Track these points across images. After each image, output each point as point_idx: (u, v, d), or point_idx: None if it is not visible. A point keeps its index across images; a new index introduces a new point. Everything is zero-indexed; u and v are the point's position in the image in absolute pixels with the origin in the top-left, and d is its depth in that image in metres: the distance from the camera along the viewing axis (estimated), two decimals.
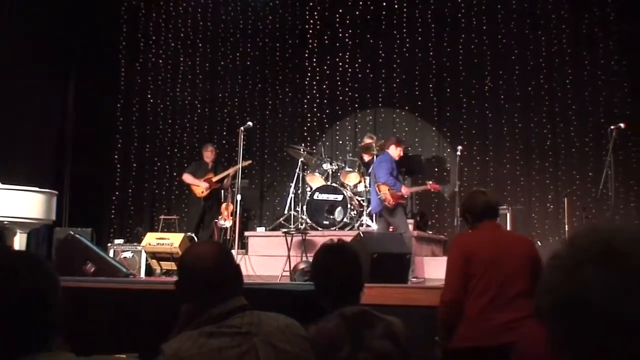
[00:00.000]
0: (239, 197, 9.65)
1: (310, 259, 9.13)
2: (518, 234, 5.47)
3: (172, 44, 14.12)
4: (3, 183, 9.38)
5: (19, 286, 1.87)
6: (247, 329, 2.54)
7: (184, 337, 2.48)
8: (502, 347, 3.63)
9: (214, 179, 11.75)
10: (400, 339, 3.29)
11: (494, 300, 4.21)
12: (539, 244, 10.12)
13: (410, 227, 10.37)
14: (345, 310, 3.22)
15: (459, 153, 10.34)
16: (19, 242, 9.48)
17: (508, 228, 10.07)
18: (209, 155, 12.03)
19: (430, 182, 10.71)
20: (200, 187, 11.76)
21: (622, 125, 8.30)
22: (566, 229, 10.19)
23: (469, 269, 4.28)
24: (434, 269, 9.90)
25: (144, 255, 10.80)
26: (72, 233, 9.04)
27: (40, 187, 9.74)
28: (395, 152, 10.29)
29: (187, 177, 11.96)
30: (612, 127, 8.30)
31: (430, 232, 11.55)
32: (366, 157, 11.38)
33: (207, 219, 11.88)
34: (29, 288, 1.88)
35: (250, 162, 11.68)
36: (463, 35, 12.60)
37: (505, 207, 10.57)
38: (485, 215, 4.55)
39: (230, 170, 11.59)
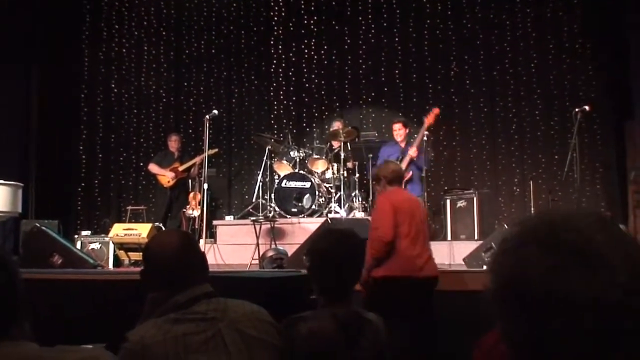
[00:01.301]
0: (205, 186, 9.61)
1: (280, 247, 9.19)
2: (414, 196, 6.93)
3: (136, 33, 13.97)
4: None
5: None
6: (213, 315, 2.53)
7: (149, 324, 2.47)
8: (423, 278, 5.69)
9: (180, 169, 11.67)
10: (383, 345, 3.07)
11: (415, 241, 5.70)
12: (506, 227, 10.19)
13: None
14: (338, 313, 2.93)
15: (425, 139, 10.33)
16: None
17: (475, 212, 10.17)
18: (173, 144, 11.96)
19: (427, 116, 9.96)
20: (166, 177, 11.68)
21: (586, 107, 8.33)
22: (532, 212, 10.26)
23: (397, 217, 5.65)
24: None
25: (111, 246, 10.70)
26: (39, 225, 8.96)
27: (5, 180, 9.63)
28: (395, 134, 10.19)
29: (153, 167, 11.88)
30: (577, 109, 8.32)
31: None
32: (335, 144, 11.31)
33: (174, 209, 11.82)
34: None
35: (216, 150, 11.61)
36: (428, 21, 12.62)
37: (471, 191, 10.61)
38: (395, 180, 5.95)
39: (197, 159, 11.53)
